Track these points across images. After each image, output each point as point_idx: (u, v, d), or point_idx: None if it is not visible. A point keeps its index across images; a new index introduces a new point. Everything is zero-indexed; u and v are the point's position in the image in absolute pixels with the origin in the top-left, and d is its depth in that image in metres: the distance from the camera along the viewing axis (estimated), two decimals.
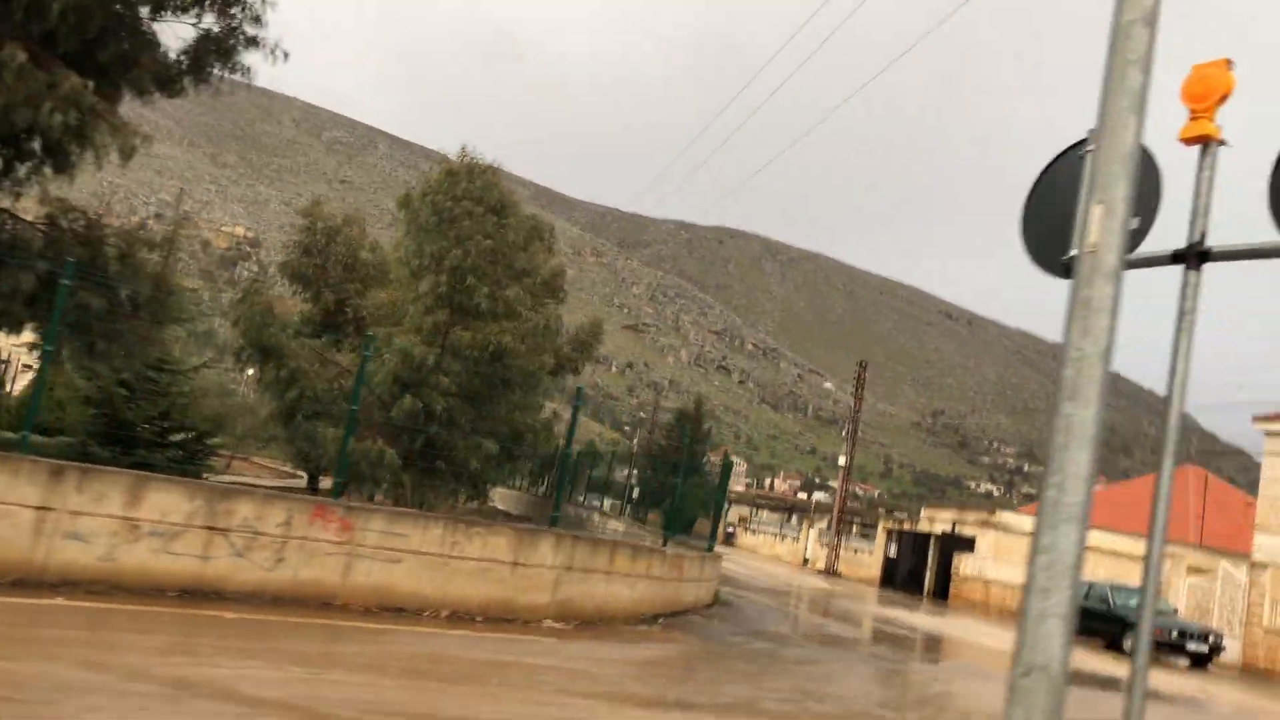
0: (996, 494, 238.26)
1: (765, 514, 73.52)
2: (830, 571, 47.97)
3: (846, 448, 49.57)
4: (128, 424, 18.54)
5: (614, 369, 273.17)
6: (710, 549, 22.09)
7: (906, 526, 46.80)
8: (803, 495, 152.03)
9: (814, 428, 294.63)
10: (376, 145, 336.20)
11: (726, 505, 64.75)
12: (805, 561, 52.86)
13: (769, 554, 58.05)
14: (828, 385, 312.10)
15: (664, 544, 22.26)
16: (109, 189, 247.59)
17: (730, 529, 63.83)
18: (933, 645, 20.87)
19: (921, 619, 27.64)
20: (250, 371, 24.91)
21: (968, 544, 41.22)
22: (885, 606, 30.27)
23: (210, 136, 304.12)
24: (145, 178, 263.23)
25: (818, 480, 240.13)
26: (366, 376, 22.62)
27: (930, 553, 42.26)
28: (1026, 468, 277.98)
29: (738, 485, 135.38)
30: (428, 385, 21.67)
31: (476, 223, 22.26)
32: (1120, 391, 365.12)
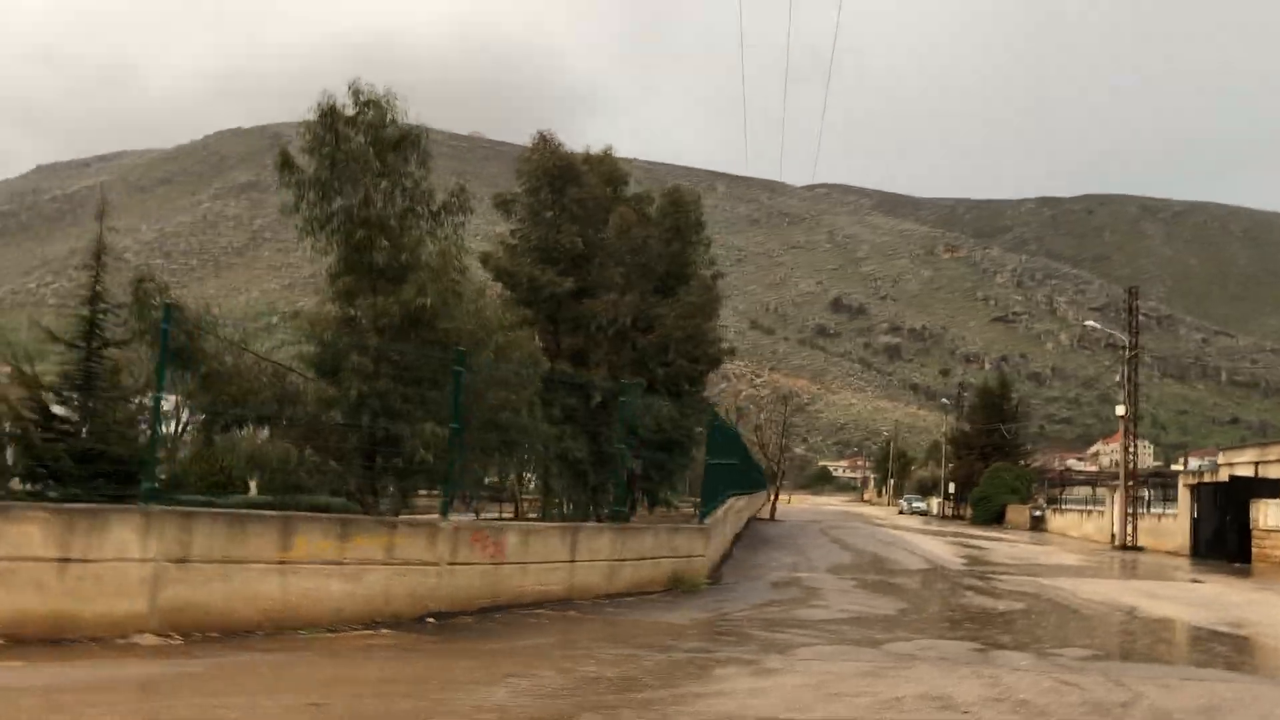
0: None
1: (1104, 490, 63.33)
2: (1127, 546, 39.15)
3: (1124, 395, 40.51)
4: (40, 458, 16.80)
5: (986, 365, 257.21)
6: (703, 519, 16.98)
7: (1207, 479, 37.21)
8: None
9: (1230, 394, 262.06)
10: (716, 188, 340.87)
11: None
12: (1113, 539, 43.77)
13: (1078, 535, 48.99)
14: (1240, 345, 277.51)
15: (701, 521, 17.56)
16: None
17: (1038, 512, 54.96)
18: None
19: (1093, 586, 20.22)
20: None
21: (1273, 488, 31.67)
22: (1081, 578, 22.85)
23: None
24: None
25: None
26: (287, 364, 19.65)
27: (1228, 506, 32.97)
28: None
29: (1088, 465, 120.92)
30: (345, 368, 18.16)
31: (365, 165, 18.53)
32: None
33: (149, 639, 9.75)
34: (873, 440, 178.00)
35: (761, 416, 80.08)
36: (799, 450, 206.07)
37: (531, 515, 29.46)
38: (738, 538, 28.86)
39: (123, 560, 9.74)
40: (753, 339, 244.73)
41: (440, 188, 20.68)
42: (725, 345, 35.49)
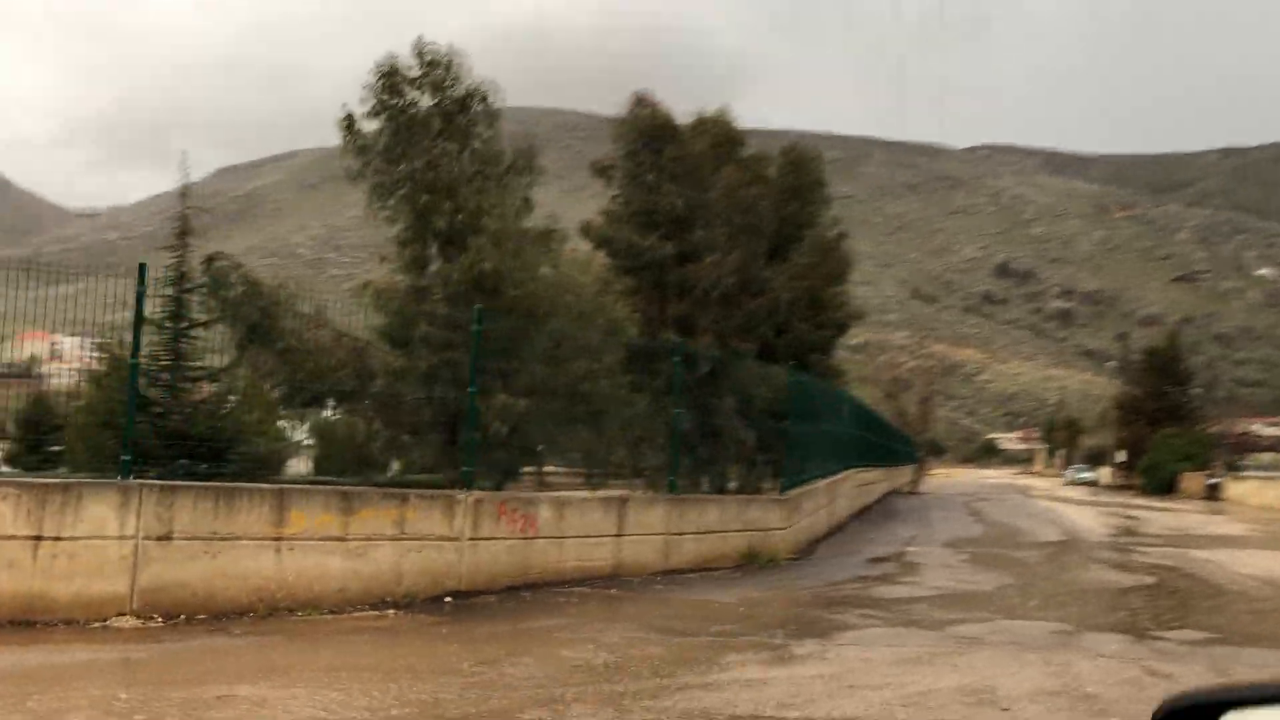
0: None
1: None
2: None
3: None
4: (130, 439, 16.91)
5: (1167, 327, 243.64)
6: (784, 490, 15.67)
7: None
8: None
9: None
10: (871, 155, 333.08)
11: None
12: None
13: (1257, 503, 45.09)
14: None
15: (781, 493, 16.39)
16: None
17: (1213, 480, 50.91)
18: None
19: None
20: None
21: None
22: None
23: None
24: None
25: None
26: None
27: None
28: None
29: None
30: (414, 339, 17.58)
31: (429, 127, 17.76)
32: None
33: (128, 621, 9.13)
34: (1044, 410, 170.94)
35: (911, 390, 77.43)
36: (965, 422, 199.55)
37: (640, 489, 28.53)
38: (865, 510, 27.24)
39: (99, 538, 9.13)
40: (914, 309, 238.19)
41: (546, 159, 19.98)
42: (852, 309, 33.61)
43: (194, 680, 7.00)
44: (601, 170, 28.00)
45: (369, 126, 18.15)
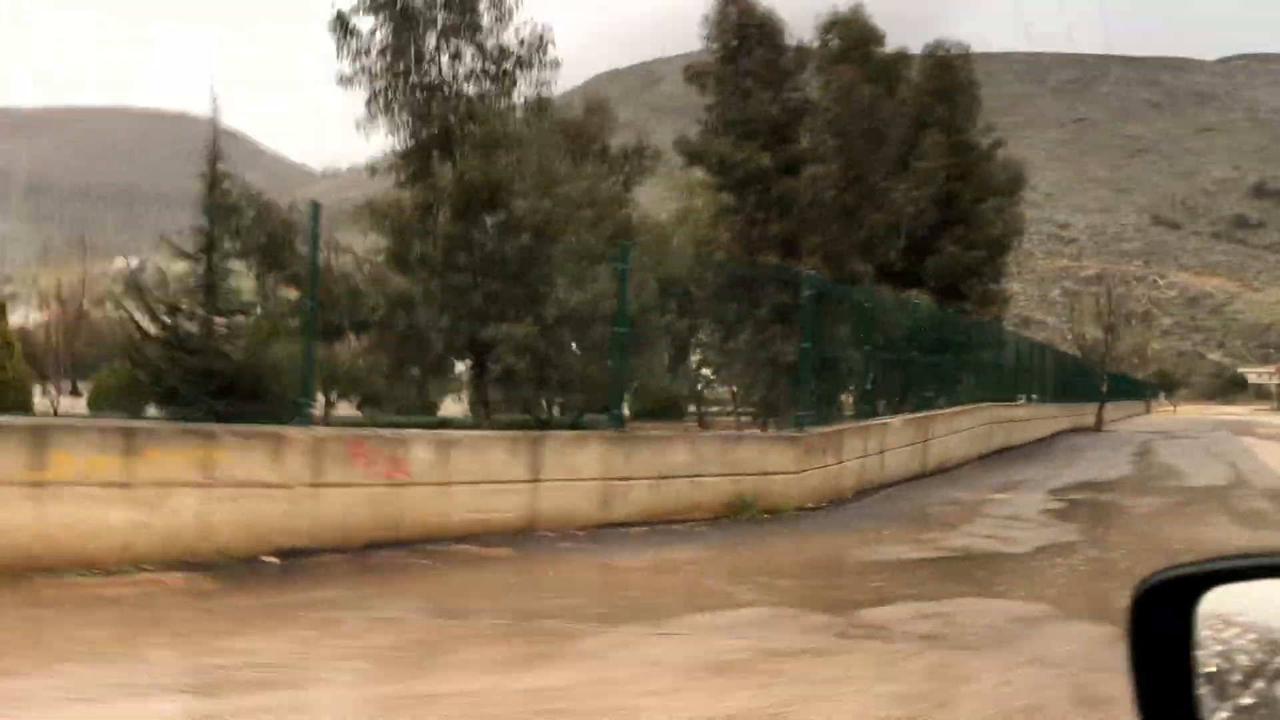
0: None
1: None
2: None
3: None
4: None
5: None
6: (801, 425, 13.01)
7: None
8: None
9: None
10: (1108, 73, 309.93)
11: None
12: None
13: None
14: None
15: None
16: None
17: None
18: None
19: None
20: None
21: None
22: None
23: None
24: None
25: None
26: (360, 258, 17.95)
27: None
28: None
29: None
30: (413, 261, 15.80)
31: (426, 20, 15.70)
32: None
33: None
34: None
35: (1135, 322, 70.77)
36: (1213, 356, 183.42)
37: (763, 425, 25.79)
38: (1004, 449, 23.77)
39: None
40: (1156, 235, 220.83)
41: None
42: (1008, 225, 29.45)
43: None
44: (694, 77, 25.29)
45: (365, 26, 16.35)
